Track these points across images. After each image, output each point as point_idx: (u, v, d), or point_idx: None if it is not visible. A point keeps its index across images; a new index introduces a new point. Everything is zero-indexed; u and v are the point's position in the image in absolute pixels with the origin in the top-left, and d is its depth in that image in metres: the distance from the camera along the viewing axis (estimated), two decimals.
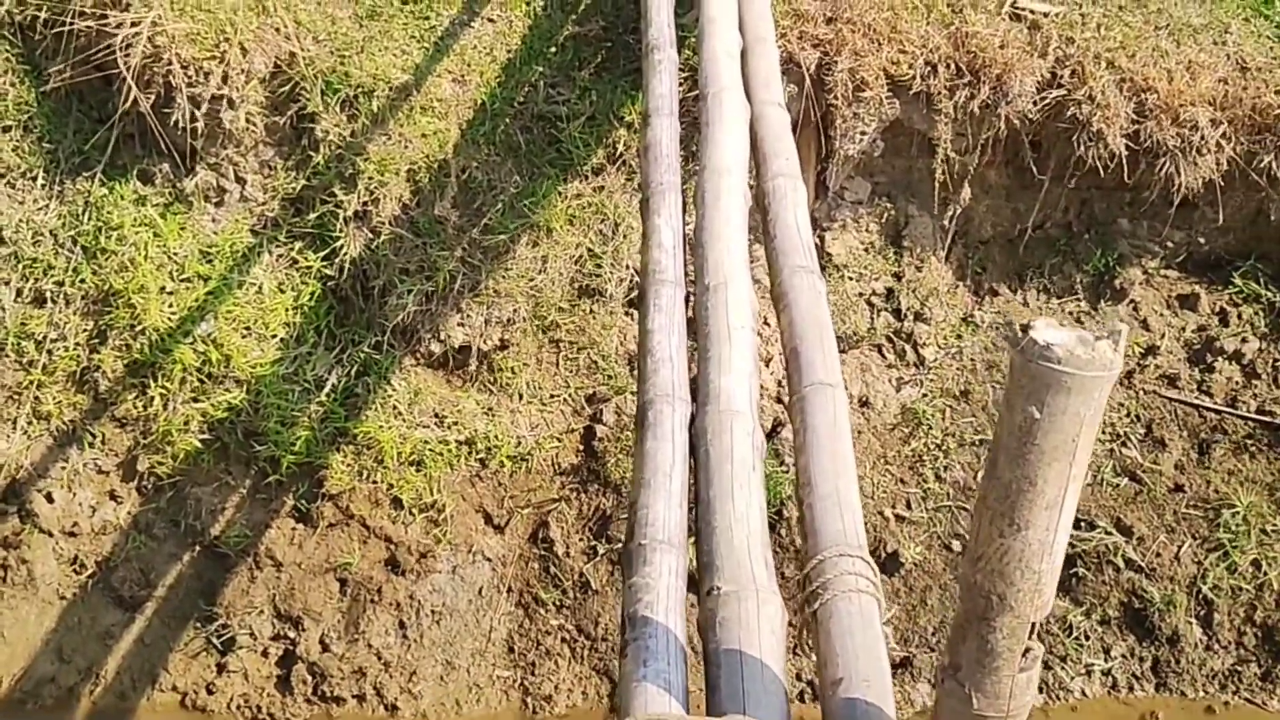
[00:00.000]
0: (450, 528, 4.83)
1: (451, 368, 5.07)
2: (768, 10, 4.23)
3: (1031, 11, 4.98)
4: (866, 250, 5.39)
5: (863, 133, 4.99)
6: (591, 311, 5.13)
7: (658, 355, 2.66)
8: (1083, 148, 4.96)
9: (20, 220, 5.04)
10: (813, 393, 2.48)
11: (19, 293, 5.02)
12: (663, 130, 3.51)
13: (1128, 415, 5.22)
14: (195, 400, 4.92)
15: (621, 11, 5.29)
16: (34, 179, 5.25)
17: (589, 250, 5.05)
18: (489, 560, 4.86)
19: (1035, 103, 4.88)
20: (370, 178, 4.96)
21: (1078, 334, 1.61)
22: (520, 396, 5.07)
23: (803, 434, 2.42)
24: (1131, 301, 5.48)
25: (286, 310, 5.04)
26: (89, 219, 5.11)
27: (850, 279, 5.36)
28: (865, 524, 5.20)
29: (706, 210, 3.11)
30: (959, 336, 5.35)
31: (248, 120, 5.06)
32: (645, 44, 4.01)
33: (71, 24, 5.15)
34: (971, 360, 5.34)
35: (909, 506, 5.02)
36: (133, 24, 4.91)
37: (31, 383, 4.90)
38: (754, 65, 3.92)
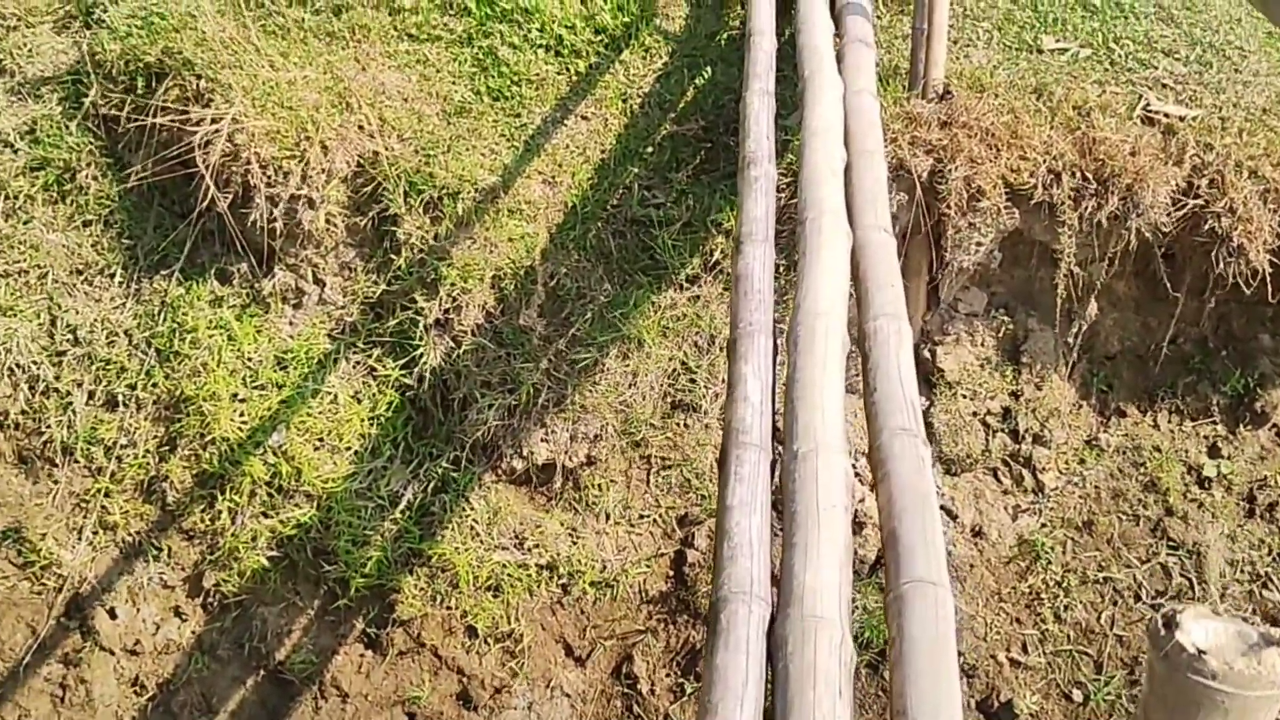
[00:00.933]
0: (528, 660, 4.57)
1: (534, 485, 4.84)
2: (877, 119, 3.96)
3: (1166, 115, 4.65)
4: (982, 366, 5.07)
5: (978, 243, 4.69)
6: (685, 425, 4.88)
7: (735, 540, 2.38)
8: (1222, 263, 4.60)
9: (96, 320, 4.94)
10: (912, 592, 2.18)
11: (90, 395, 4.90)
12: (755, 259, 3.26)
13: (1270, 553, 4.81)
14: (264, 515, 4.74)
15: (723, 111, 5.06)
16: (112, 276, 5.16)
17: (683, 364, 4.80)
18: (568, 696, 4.58)
19: (1169, 214, 4.55)
20: (453, 284, 4.77)
21: (1236, 629, 1.29)
22: (607, 517, 4.82)
23: (899, 644, 2.12)
24: (1274, 426, 5.07)
25: (362, 421, 4.85)
26: (164, 320, 4.98)
27: (964, 397, 5.03)
28: (976, 669, 4.88)
29: (799, 359, 2.83)
30: (1082, 461, 4.99)
31: (328, 221, 4.92)
32: (741, 156, 3.77)
33: (154, 118, 5.04)
34: (1095, 488, 4.97)
35: (1025, 650, 4.66)
36: (213, 121, 4.79)
37: (99, 490, 4.77)
38: (859, 181, 3.66)
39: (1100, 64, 5.00)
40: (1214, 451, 5.08)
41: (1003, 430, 5.05)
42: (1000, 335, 5.06)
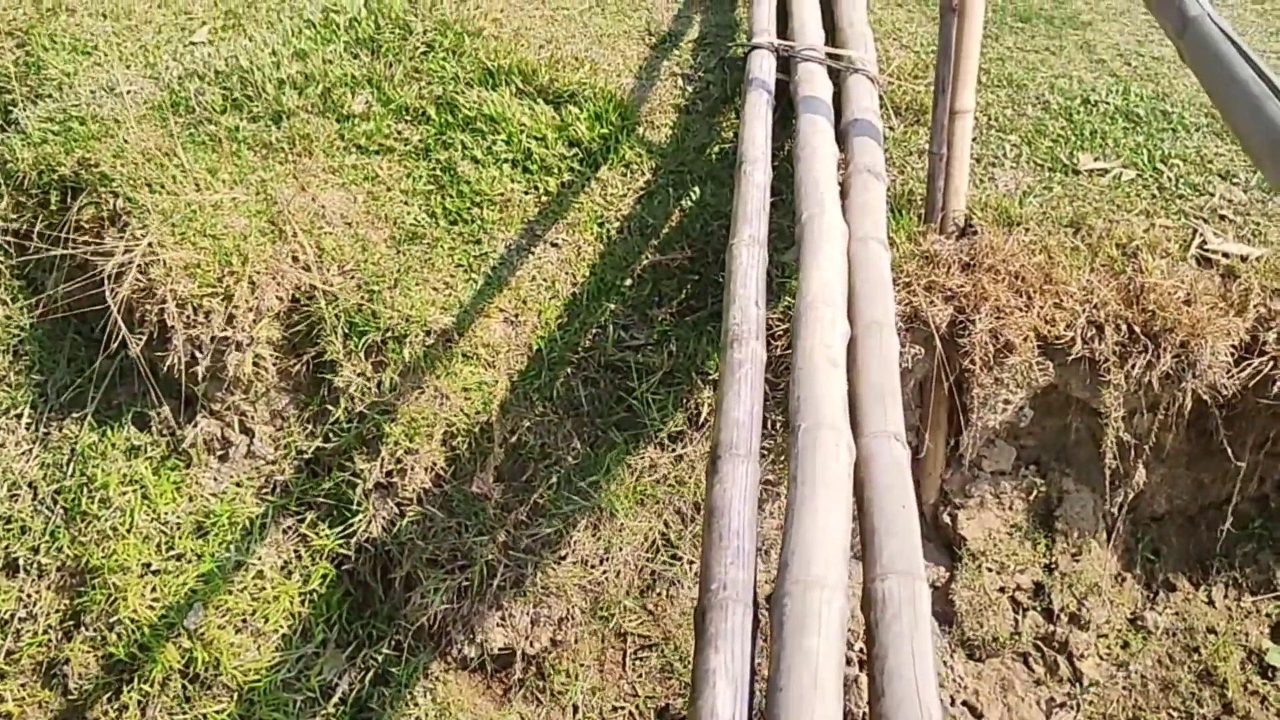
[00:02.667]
0: None
1: (490, 675, 4.24)
2: (888, 277, 3.40)
3: (1225, 255, 4.07)
4: (1010, 534, 4.47)
5: (1006, 401, 4.10)
6: (669, 597, 4.28)
7: None
8: None
9: None
10: None
11: None
12: (735, 485, 2.69)
13: None
14: (177, 709, 4.15)
15: (711, 238, 4.50)
16: (18, 417, 4.63)
17: (663, 535, 4.21)
18: None
19: (1230, 374, 3.94)
20: (396, 442, 4.20)
21: None
22: (575, 710, 4.24)
23: None
24: None
25: (291, 599, 4.27)
26: (73, 472, 4.44)
27: (989, 570, 4.43)
28: None
29: (785, 650, 2.25)
30: (1125, 645, 4.38)
31: (256, 364, 4.38)
32: (724, 330, 3.19)
33: (66, 239, 4.50)
34: (1142, 678, 4.36)
35: None
36: (125, 250, 4.24)
37: None
38: (864, 368, 3.09)
39: (1147, 189, 4.42)
40: (1278, 633, 4.45)
41: (1034, 609, 4.45)
42: (1031, 498, 4.46)
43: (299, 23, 5.38)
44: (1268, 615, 4.54)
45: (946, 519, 4.50)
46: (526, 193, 4.69)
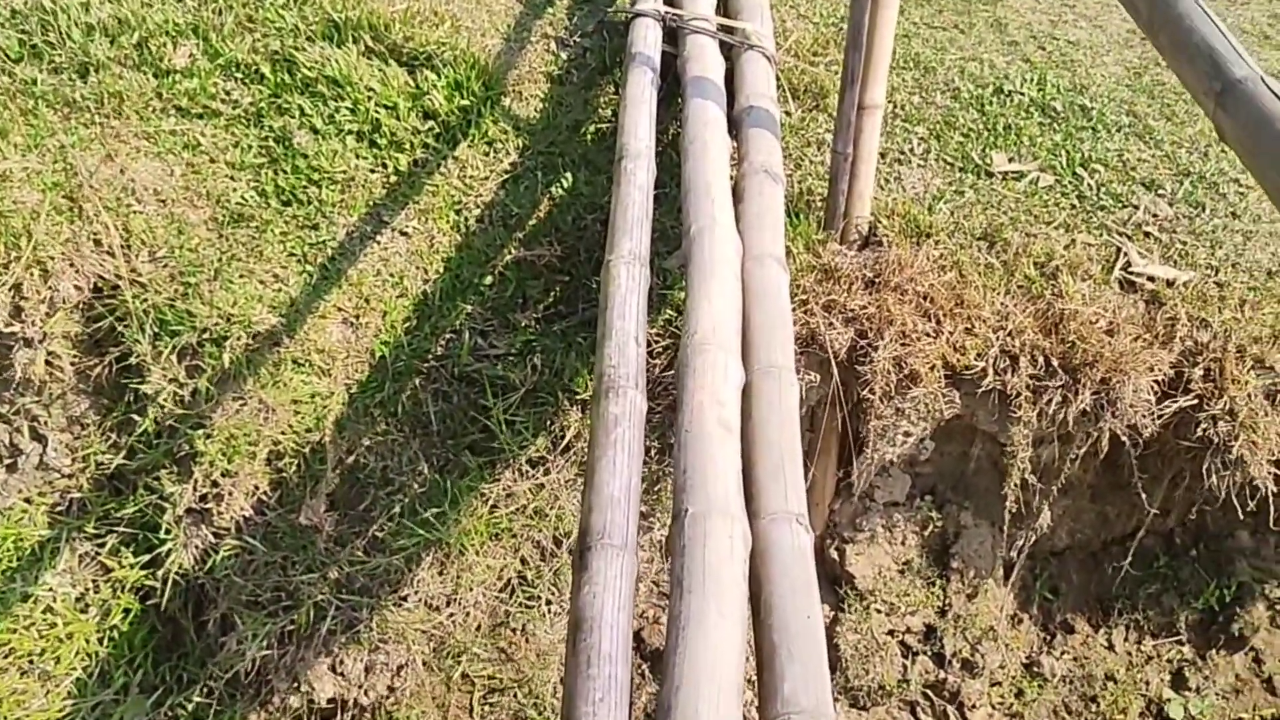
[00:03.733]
0: None
1: None
2: (787, 307, 2.96)
3: (1150, 279, 3.72)
4: (902, 571, 4.12)
5: (907, 434, 3.71)
6: (524, 635, 3.83)
7: None
8: (1214, 475, 3.69)
9: None
10: None
11: None
12: (605, 585, 2.27)
13: None
14: None
15: (585, 233, 4.02)
16: None
17: (519, 575, 3.74)
18: None
19: (1152, 414, 3.60)
20: (213, 461, 3.66)
21: None
22: None
23: None
24: (1253, 650, 4.21)
25: (87, 638, 3.73)
26: None
27: (878, 611, 4.08)
28: None
29: None
30: (1020, 694, 4.09)
31: (50, 364, 3.75)
32: (598, 375, 2.73)
33: None
34: None
35: None
36: None
37: None
38: (758, 421, 2.67)
39: (1066, 197, 4.06)
40: (1179, 681, 4.20)
41: (925, 653, 4.11)
42: (926, 532, 4.11)
43: None
44: (1169, 661, 4.27)
45: (834, 554, 4.13)
46: (373, 171, 4.14)
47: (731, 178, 3.56)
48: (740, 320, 2.97)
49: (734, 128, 3.93)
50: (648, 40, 4.14)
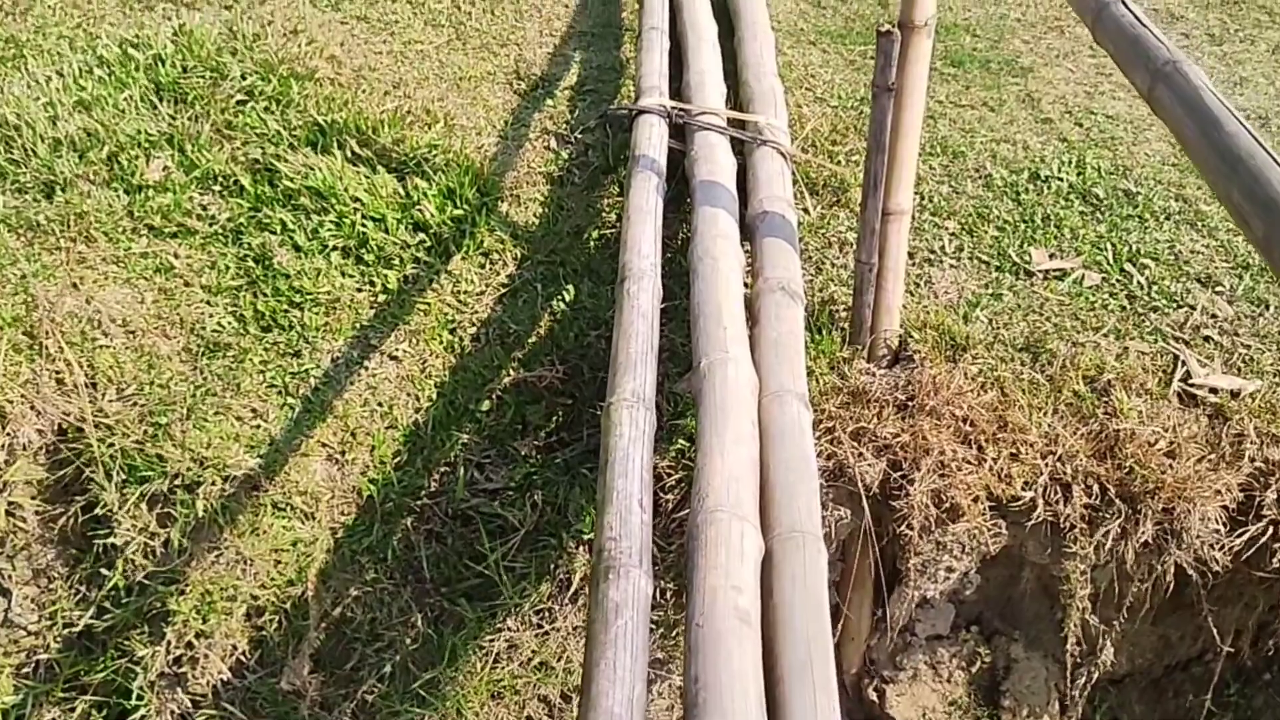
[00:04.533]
0: None
1: None
2: (810, 463, 2.63)
3: (1212, 391, 3.38)
4: (948, 712, 3.75)
5: (949, 569, 3.37)
6: None
7: None
8: None
9: None
10: None
11: None
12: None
13: None
14: None
15: (589, 350, 3.71)
16: None
17: None
18: None
19: (1222, 544, 3.25)
20: (186, 620, 3.37)
21: None
22: None
23: None
24: None
25: None
26: None
27: None
28: None
29: None
30: None
31: (12, 514, 3.48)
32: (597, 545, 2.43)
33: None
34: None
35: None
36: None
37: None
38: (781, 603, 2.37)
39: (1115, 298, 3.73)
40: None
41: None
42: (974, 668, 3.75)
43: (88, 60, 4.46)
44: None
45: (873, 695, 3.79)
46: (359, 290, 3.86)
47: (746, 292, 3.27)
48: (758, 477, 2.66)
49: (747, 233, 3.64)
50: (652, 140, 3.85)
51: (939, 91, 4.90)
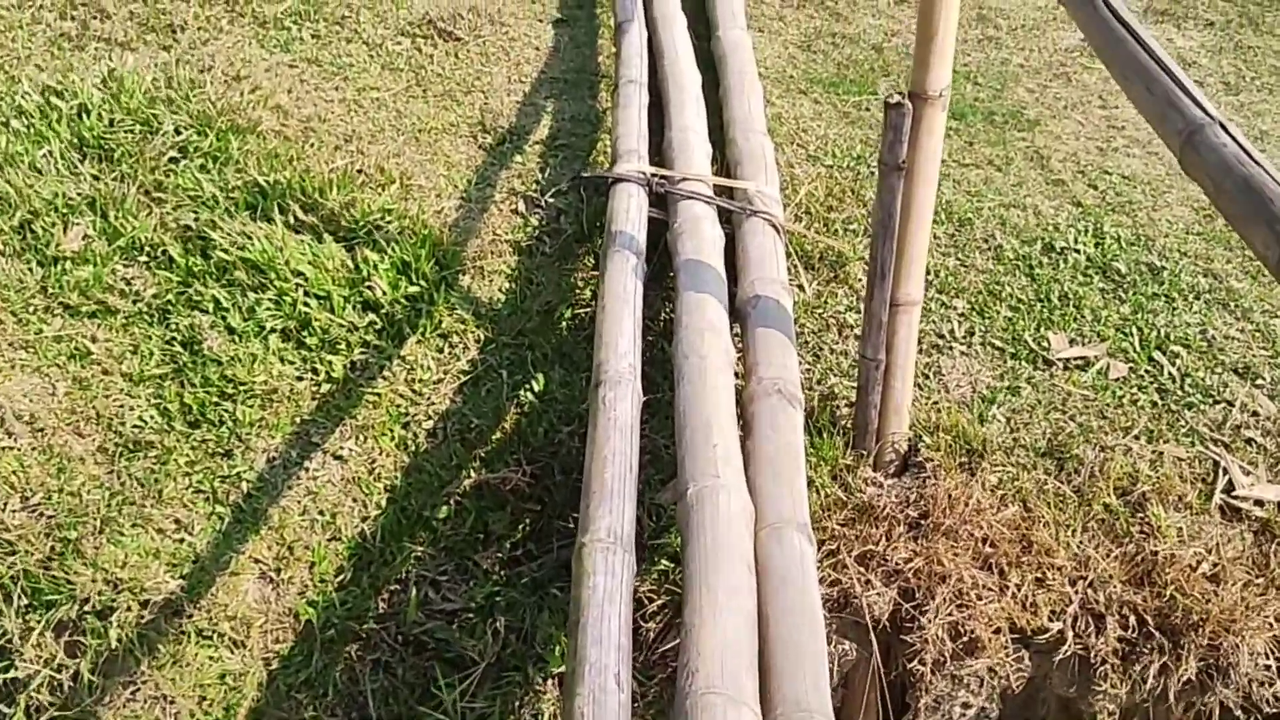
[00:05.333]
0: None
1: None
2: (816, 616, 2.26)
3: (1258, 503, 3.02)
4: None
5: (966, 705, 2.99)
6: None
7: None
8: None
9: None
10: None
11: None
12: None
13: None
14: None
15: (559, 450, 3.33)
16: None
17: None
18: None
19: (1272, 682, 2.89)
20: None
21: None
22: None
23: None
24: None
25: None
26: None
27: None
28: None
29: None
30: None
31: None
32: (570, 672, 2.04)
33: None
34: None
35: None
36: None
37: None
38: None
39: (1144, 392, 3.37)
40: None
41: None
42: None
43: (5, 110, 4.06)
44: None
45: None
46: (300, 379, 3.46)
47: (736, 382, 2.91)
48: (755, 637, 2.28)
49: (737, 316, 3.28)
50: (630, 214, 3.48)
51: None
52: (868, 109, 4.83)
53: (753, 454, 2.74)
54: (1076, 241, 3.99)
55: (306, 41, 5.00)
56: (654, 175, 3.70)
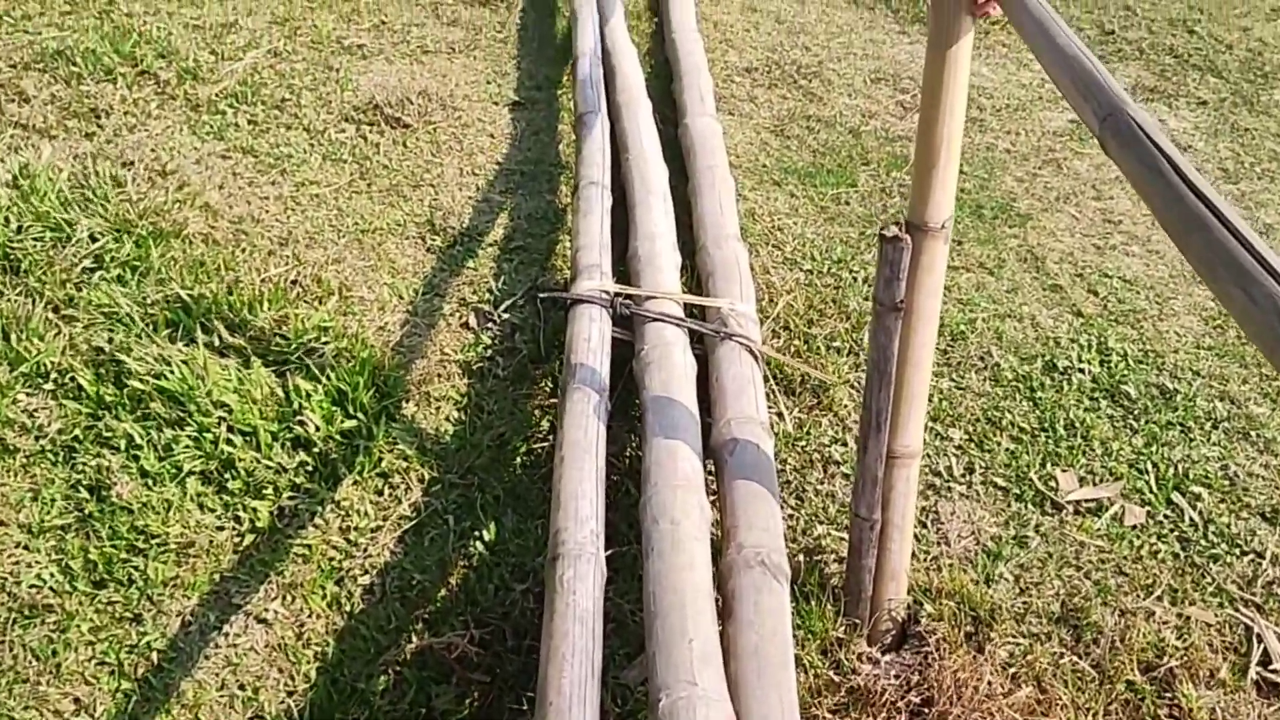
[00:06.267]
0: None
1: None
2: None
3: None
4: None
5: None
6: None
7: None
8: None
9: None
10: None
11: None
12: None
13: None
14: None
15: (512, 610, 2.96)
16: None
17: None
18: None
19: None
20: None
21: None
22: None
23: None
24: None
25: None
26: None
27: None
28: None
29: None
30: None
31: None
32: None
33: None
34: None
35: None
36: None
37: None
38: None
39: (1164, 541, 3.05)
40: None
41: None
42: None
43: None
44: None
45: None
46: (221, 528, 3.10)
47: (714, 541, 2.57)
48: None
49: (712, 457, 2.95)
50: (592, 344, 3.15)
51: None
52: (847, 203, 4.53)
53: (734, 643, 2.40)
54: (1080, 359, 3.69)
55: (242, 128, 4.65)
56: (618, 295, 3.37)
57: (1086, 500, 3.22)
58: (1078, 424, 3.45)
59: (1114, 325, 3.90)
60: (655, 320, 3.33)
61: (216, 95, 4.82)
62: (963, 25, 2.37)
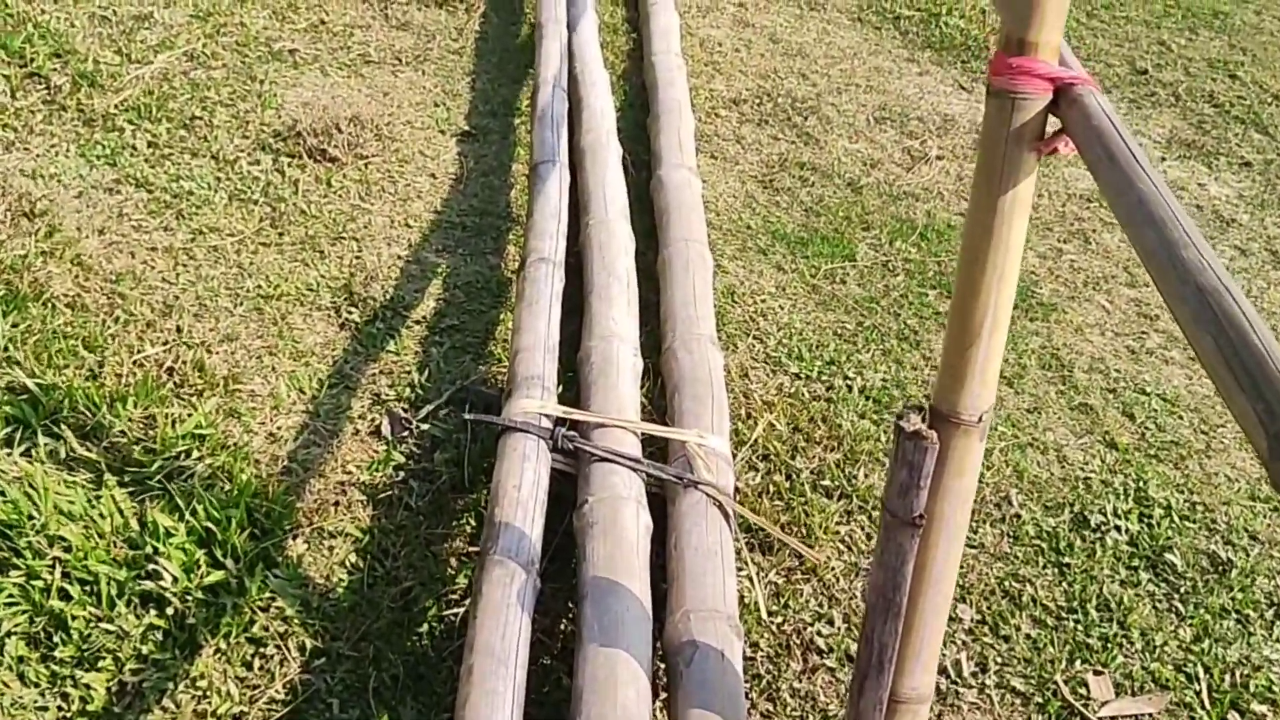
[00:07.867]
0: None
1: None
2: None
3: None
4: None
5: None
6: None
7: None
8: None
9: None
10: None
11: None
12: None
13: None
14: None
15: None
16: None
17: None
18: None
19: None
20: None
21: None
22: None
23: None
24: None
25: None
26: None
27: None
28: None
29: None
30: None
31: None
32: None
33: None
34: None
35: None
36: None
37: None
38: None
39: None
40: None
41: None
42: None
43: None
44: None
45: None
46: (44, 708, 2.50)
47: None
48: None
49: (663, 656, 2.36)
50: (522, 493, 2.55)
51: (934, 343, 3.65)
52: (843, 281, 3.93)
53: None
54: (1115, 512, 3.11)
55: (139, 152, 4.01)
56: (560, 421, 2.76)
57: (1124, 717, 2.64)
58: (1113, 604, 2.88)
59: (1153, 463, 3.32)
60: (604, 460, 2.72)
61: (115, 107, 4.17)
62: (1023, 166, 1.78)
